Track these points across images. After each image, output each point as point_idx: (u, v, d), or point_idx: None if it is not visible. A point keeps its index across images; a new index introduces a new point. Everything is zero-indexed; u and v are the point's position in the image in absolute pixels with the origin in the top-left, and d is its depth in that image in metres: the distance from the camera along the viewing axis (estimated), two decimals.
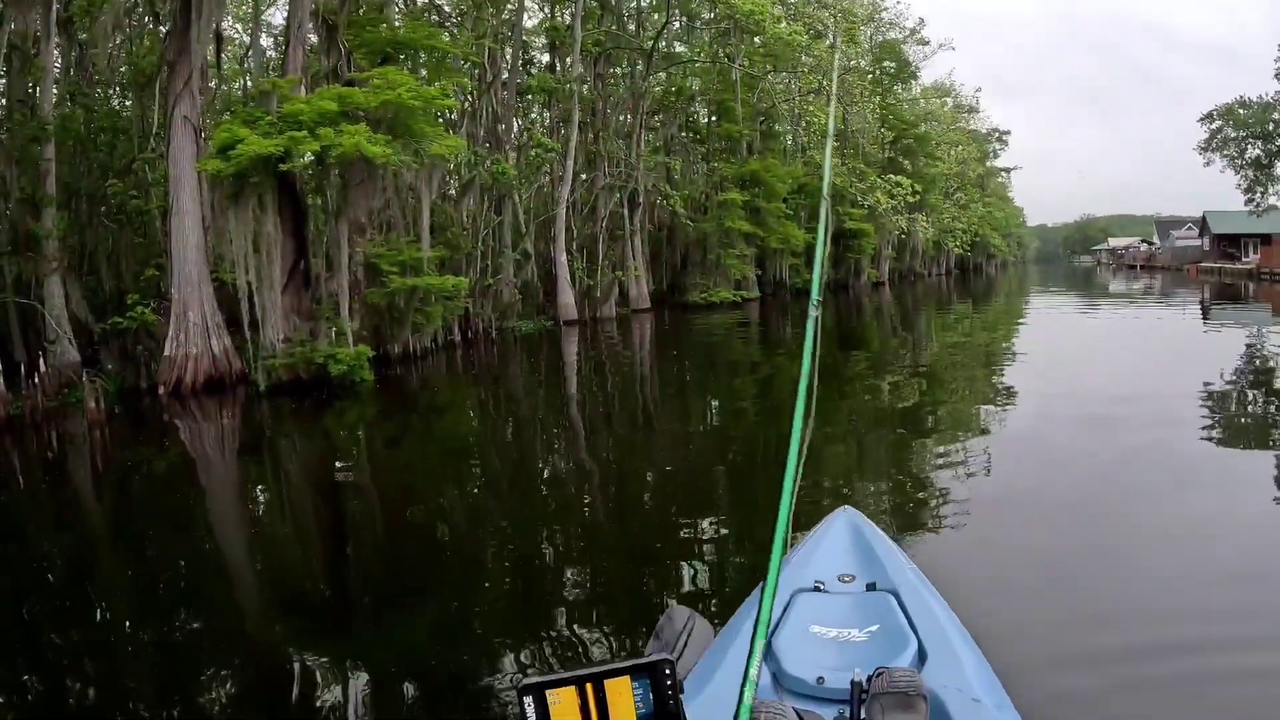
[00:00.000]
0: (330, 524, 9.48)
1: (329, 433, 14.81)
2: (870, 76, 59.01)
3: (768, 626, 2.28)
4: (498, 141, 30.06)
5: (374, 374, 18.16)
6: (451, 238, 25.61)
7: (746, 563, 6.77)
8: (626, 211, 37.24)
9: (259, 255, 17.11)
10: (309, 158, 16.89)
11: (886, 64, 63.44)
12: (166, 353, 17.25)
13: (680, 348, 27.30)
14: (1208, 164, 59.52)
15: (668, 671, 1.72)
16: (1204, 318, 31.17)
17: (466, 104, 30.18)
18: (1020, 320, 34.02)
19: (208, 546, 8.58)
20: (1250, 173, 57.80)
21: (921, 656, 2.97)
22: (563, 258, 32.36)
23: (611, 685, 1.70)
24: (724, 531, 7.91)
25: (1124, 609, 5.65)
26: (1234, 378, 15.66)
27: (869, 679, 2.55)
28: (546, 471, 11.59)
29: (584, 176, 36.52)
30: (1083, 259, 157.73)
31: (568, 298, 32.52)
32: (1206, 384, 14.16)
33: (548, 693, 1.67)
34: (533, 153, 30.73)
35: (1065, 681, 4.57)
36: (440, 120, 27.18)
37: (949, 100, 79.46)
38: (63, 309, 17.56)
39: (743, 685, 2.03)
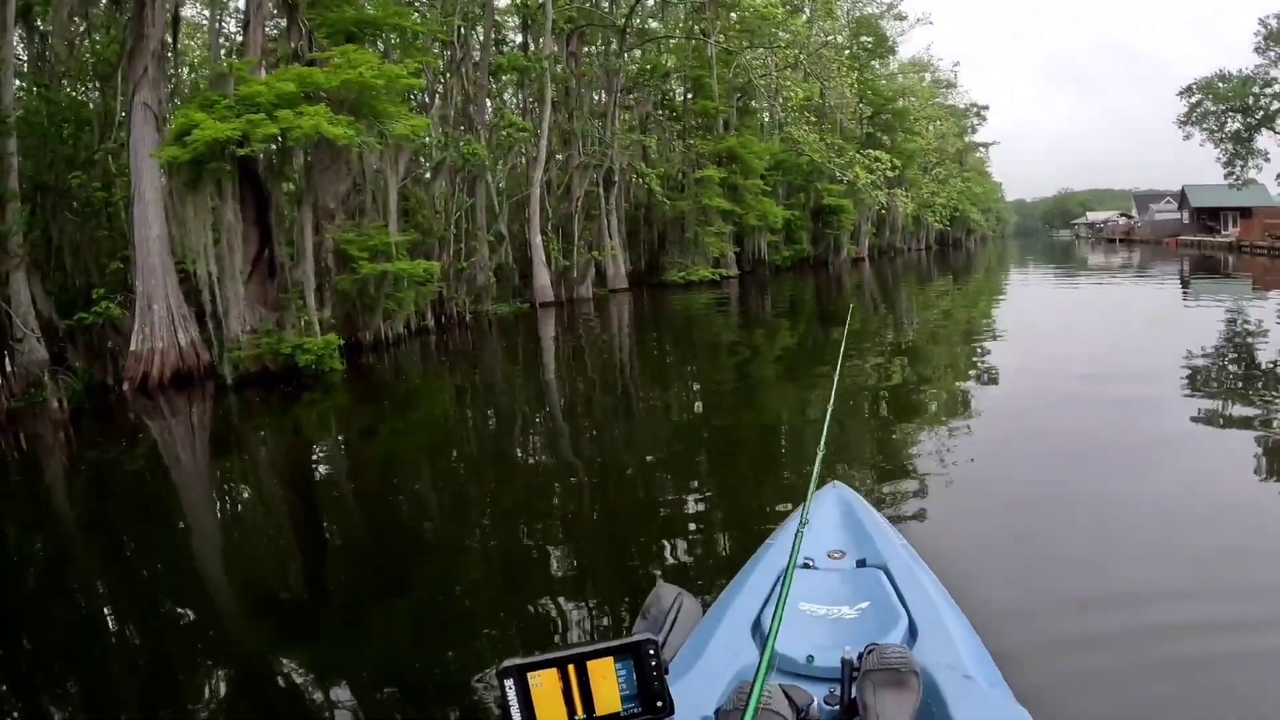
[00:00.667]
0: (302, 520, 9.13)
1: (299, 425, 14.43)
2: (847, 52, 58.54)
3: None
4: (470, 123, 29.60)
5: (345, 362, 17.83)
6: (423, 221, 25.13)
7: (733, 540, 6.82)
8: (602, 191, 36.76)
9: (220, 244, 16.64)
10: (274, 142, 16.38)
11: (864, 39, 62.94)
12: (132, 347, 16.81)
13: (659, 328, 27.00)
14: (1187, 138, 59.81)
15: (651, 651, 1.72)
16: (1184, 290, 31.17)
17: (438, 86, 29.71)
18: (1001, 295, 34.04)
19: (172, 551, 8.18)
20: (1230, 146, 57.98)
21: (913, 633, 2.96)
22: (538, 239, 31.90)
23: (594, 666, 1.70)
24: (709, 510, 7.89)
25: (1109, 574, 5.73)
26: (1214, 349, 15.53)
27: (860, 656, 2.52)
28: (525, 456, 11.33)
29: (559, 156, 36.07)
30: (1061, 233, 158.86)
31: (544, 279, 32.07)
32: (1187, 354, 14.22)
33: (529, 675, 1.67)
34: (504, 133, 30.12)
35: (1045, 639, 4.69)
36: (412, 101, 26.75)
37: (927, 75, 79.16)
38: (29, 306, 17.00)
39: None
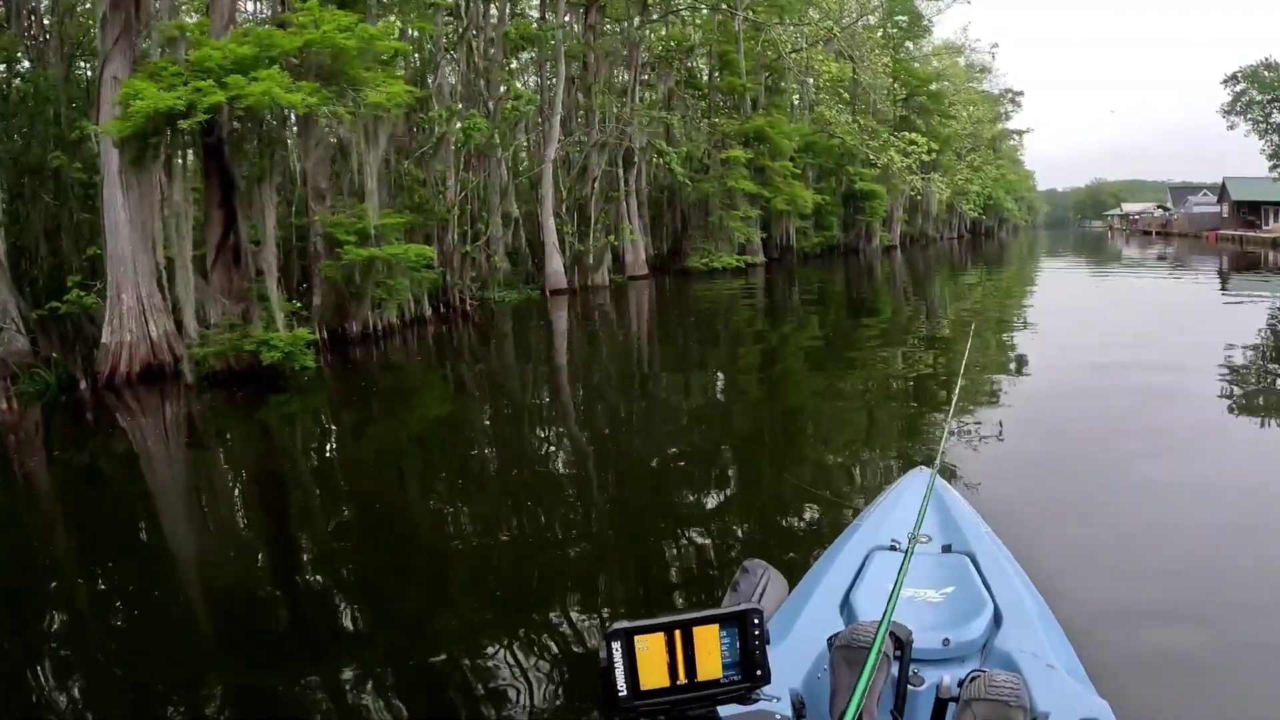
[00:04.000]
0: (239, 552, 7.50)
1: (257, 433, 12.65)
2: (880, 32, 56.43)
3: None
4: (480, 98, 27.62)
5: (331, 356, 16.77)
6: (421, 202, 23.15)
7: (815, 519, 6.99)
8: (621, 171, 34.58)
9: (171, 229, 14.82)
10: (222, 113, 14.36)
11: (899, 18, 60.48)
12: (103, 339, 15.42)
13: (678, 319, 25.21)
14: (1231, 127, 57.75)
15: (756, 621, 1.73)
16: (1222, 286, 30.02)
17: (445, 58, 27.75)
18: (1036, 288, 33.11)
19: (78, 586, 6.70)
20: (1275, 138, 55.59)
21: (997, 620, 2.96)
22: (550, 222, 29.85)
23: (700, 633, 1.70)
24: (789, 492, 7.93)
25: (1193, 568, 5.66)
26: (1258, 347, 15.07)
27: (962, 683, 2.34)
28: (519, 462, 10.18)
29: (581, 138, 33.97)
30: (1094, 224, 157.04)
31: (556, 265, 30.09)
32: (1228, 349, 13.95)
33: (636, 638, 1.67)
34: (508, 105, 27.82)
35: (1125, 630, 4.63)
36: (420, 70, 24.79)
37: (961, 59, 76.80)
38: (10, 293, 16.06)
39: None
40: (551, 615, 5.45)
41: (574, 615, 5.44)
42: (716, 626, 1.69)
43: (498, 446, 11.02)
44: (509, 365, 18.14)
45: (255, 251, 15.75)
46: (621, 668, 1.65)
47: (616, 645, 1.65)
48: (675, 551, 6.65)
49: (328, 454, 11.36)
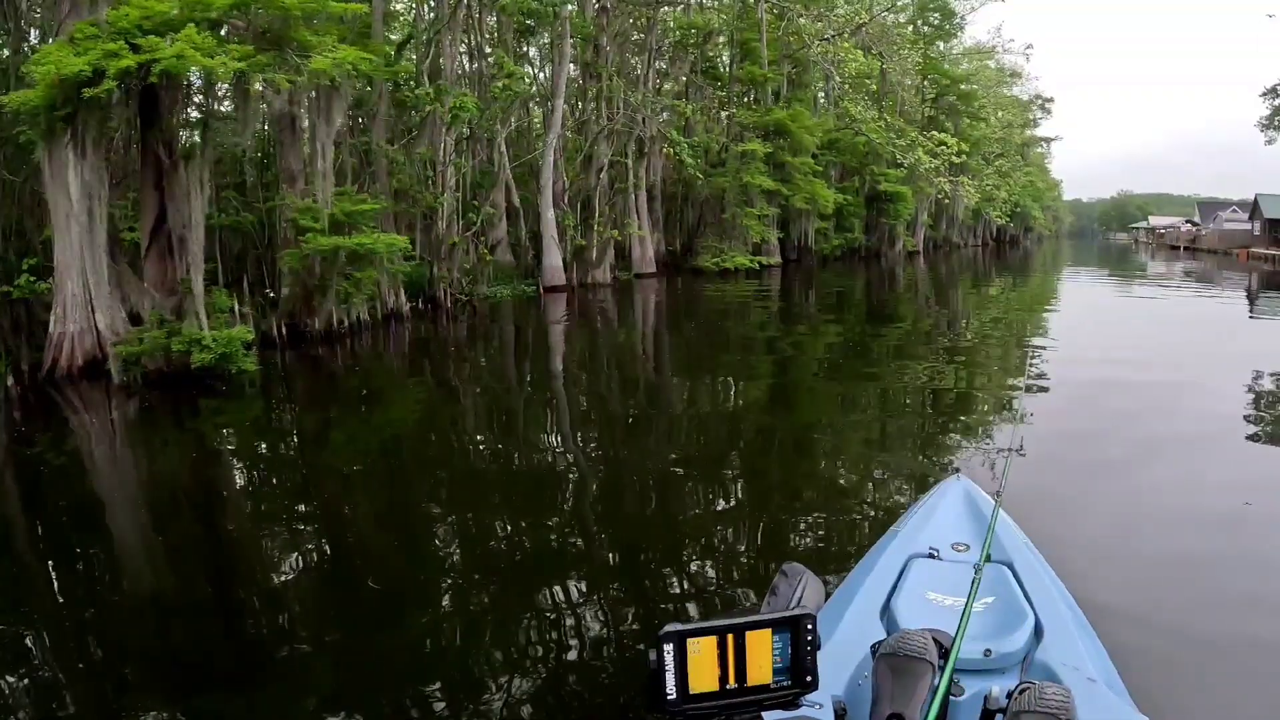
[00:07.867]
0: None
1: (182, 444, 10.90)
2: (911, 28, 54.42)
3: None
4: (476, 77, 25.76)
5: (289, 355, 15.67)
6: (401, 186, 21.24)
7: (855, 525, 6.92)
8: (630, 162, 32.52)
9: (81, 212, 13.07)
10: (138, 80, 12.49)
11: (930, 15, 58.34)
12: (50, 330, 14.15)
13: (684, 322, 23.39)
14: (1269, 143, 55.92)
15: (809, 627, 1.70)
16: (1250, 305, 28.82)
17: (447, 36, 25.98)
18: (1062, 301, 31.51)
19: None
20: None
21: (1038, 631, 2.96)
22: (549, 213, 27.82)
23: (752, 637, 1.66)
24: (815, 500, 7.85)
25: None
26: None
27: (1010, 694, 2.33)
28: (534, 473, 9.14)
29: (591, 124, 32.08)
30: (1118, 236, 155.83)
31: (554, 259, 28.07)
32: (1253, 367, 13.91)
33: (689, 640, 1.63)
34: (498, 85, 25.73)
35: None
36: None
37: (991, 61, 74.67)
38: None
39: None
40: (569, 628, 5.21)
41: (596, 626, 5.21)
42: (769, 631, 1.65)
43: (452, 466, 9.71)
44: (482, 368, 16.51)
45: (180, 242, 13.94)
46: (672, 670, 1.60)
47: (668, 647, 1.60)
48: (694, 561, 6.43)
49: (244, 478, 9.55)
